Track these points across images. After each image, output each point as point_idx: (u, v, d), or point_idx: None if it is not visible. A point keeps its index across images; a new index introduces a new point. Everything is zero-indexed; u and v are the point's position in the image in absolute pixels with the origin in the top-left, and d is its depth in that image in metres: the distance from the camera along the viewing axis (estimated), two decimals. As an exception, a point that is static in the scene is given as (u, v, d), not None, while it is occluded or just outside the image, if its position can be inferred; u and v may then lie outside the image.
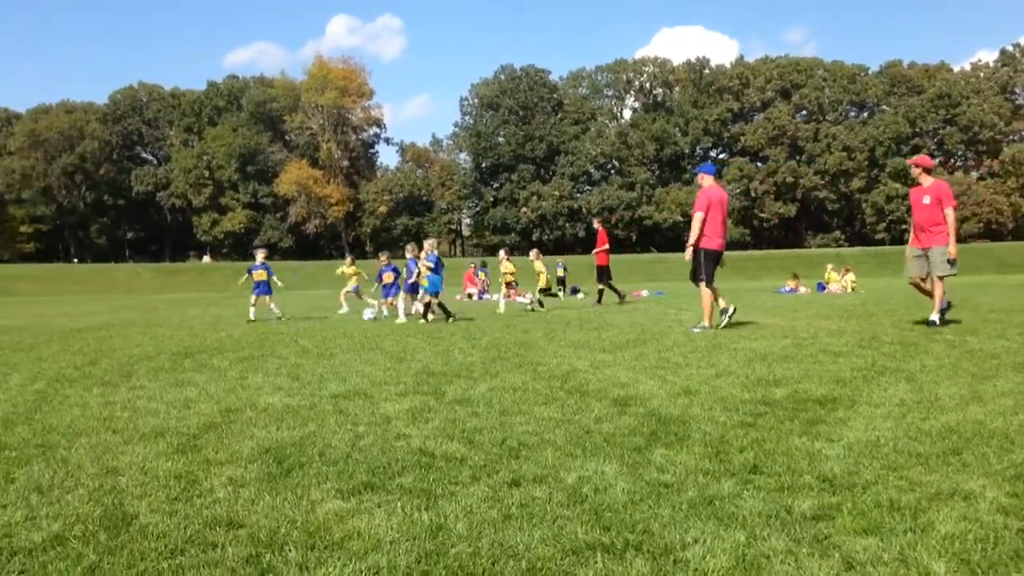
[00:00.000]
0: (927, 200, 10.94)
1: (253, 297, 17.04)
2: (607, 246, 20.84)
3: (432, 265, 15.44)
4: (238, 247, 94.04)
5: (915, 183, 11.43)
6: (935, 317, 10.86)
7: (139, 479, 4.07)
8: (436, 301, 15.38)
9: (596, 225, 21.80)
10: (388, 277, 17.82)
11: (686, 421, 5.09)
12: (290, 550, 3.01)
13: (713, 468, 3.98)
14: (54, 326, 16.75)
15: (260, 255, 17.84)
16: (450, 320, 14.91)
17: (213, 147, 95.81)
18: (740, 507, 3.38)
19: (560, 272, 33.41)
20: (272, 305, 17.13)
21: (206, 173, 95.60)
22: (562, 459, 4.25)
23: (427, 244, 16.54)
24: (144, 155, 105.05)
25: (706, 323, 11.45)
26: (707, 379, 6.77)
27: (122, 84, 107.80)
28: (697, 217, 11.44)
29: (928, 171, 11.20)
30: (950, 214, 10.73)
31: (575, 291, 30.50)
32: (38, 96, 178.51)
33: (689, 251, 11.50)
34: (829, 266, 30.49)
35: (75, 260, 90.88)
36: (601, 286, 20.86)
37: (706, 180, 11.82)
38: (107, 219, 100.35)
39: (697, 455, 4.24)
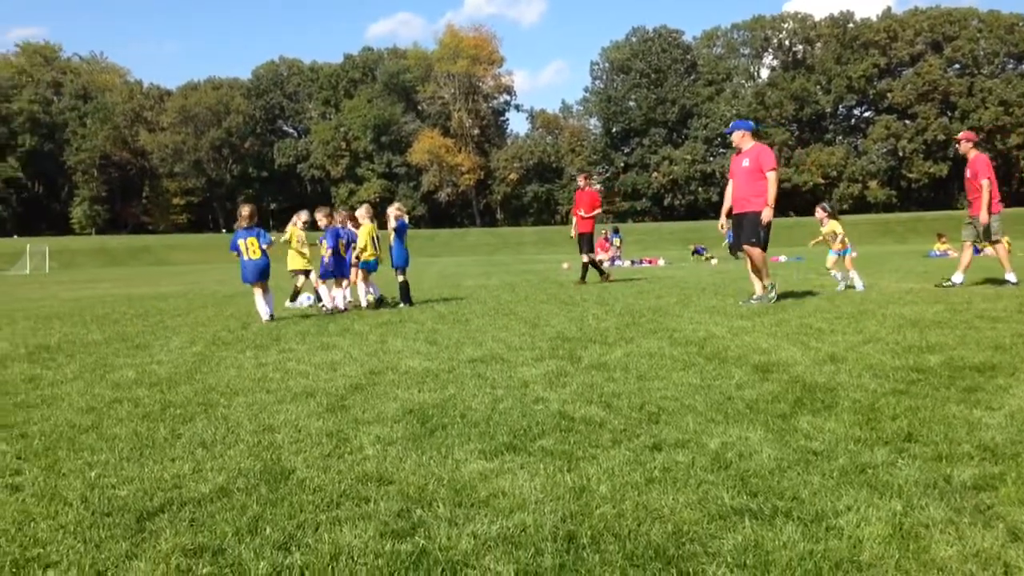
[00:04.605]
0: (968, 174, 11.99)
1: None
2: (599, 210, 17.02)
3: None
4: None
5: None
6: (1009, 276, 11.78)
7: (293, 436, 4.27)
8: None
9: (581, 182, 17.29)
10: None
11: (833, 388, 4.92)
12: (439, 506, 3.10)
13: (864, 436, 3.84)
14: (208, 292, 17.74)
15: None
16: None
17: (349, 119, 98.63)
18: (895, 476, 3.25)
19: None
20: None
21: (343, 144, 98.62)
22: (703, 425, 4.19)
23: (393, 209, 12.74)
24: (285, 128, 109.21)
25: (768, 281, 10.66)
26: (854, 346, 6.52)
27: (264, 59, 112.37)
28: (775, 176, 10.53)
29: (976, 145, 12.07)
30: (986, 184, 11.62)
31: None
32: (187, 73, 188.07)
33: (769, 212, 10.46)
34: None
35: (224, 230, 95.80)
36: (587, 259, 16.80)
37: (748, 138, 10.79)
38: (252, 191, 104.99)
39: (847, 423, 4.09)
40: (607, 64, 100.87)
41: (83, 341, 8.92)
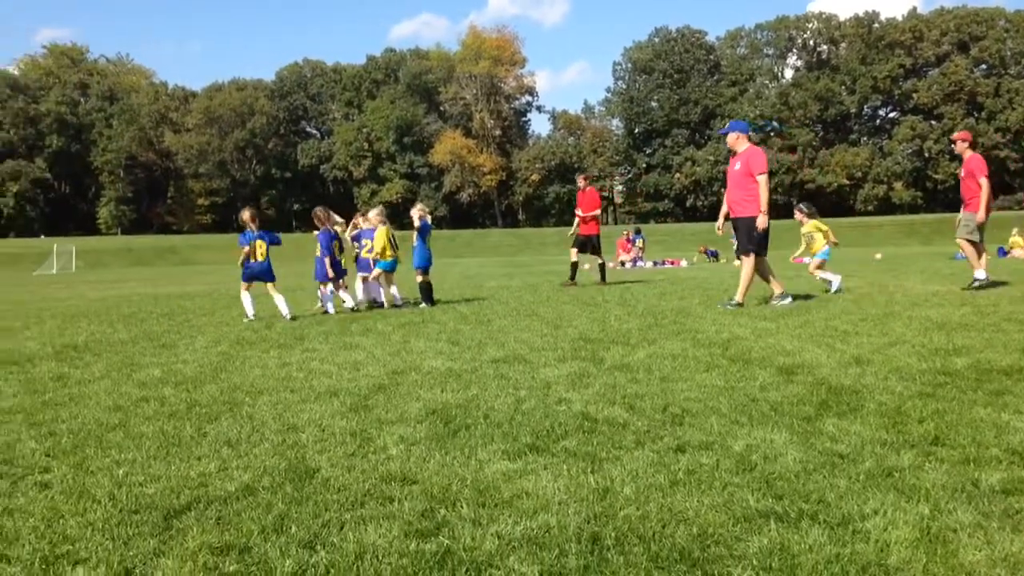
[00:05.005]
0: (961, 173, 11.97)
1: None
2: (598, 211, 16.67)
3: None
4: (395, 217, 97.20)
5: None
6: (980, 273, 11.76)
7: (318, 435, 4.30)
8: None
9: (581, 183, 16.86)
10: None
11: (859, 391, 4.88)
12: (462, 506, 3.11)
13: (891, 439, 3.81)
14: (233, 292, 17.84)
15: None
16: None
17: (372, 120, 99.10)
18: (922, 479, 3.22)
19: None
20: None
21: (365, 145, 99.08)
22: (728, 426, 4.17)
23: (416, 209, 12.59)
24: (308, 129, 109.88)
25: (741, 297, 10.36)
26: (880, 348, 6.46)
27: (288, 61, 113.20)
28: (765, 180, 10.10)
29: (972, 145, 12.04)
30: (984, 183, 11.50)
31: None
32: (211, 75, 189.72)
33: (764, 219, 10.03)
34: (1014, 230, 28.44)
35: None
36: (601, 260, 16.87)
37: (743, 140, 10.44)
38: (275, 191, 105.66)
39: (872, 425, 4.06)
40: (630, 64, 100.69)
41: (110, 340, 9.01)
